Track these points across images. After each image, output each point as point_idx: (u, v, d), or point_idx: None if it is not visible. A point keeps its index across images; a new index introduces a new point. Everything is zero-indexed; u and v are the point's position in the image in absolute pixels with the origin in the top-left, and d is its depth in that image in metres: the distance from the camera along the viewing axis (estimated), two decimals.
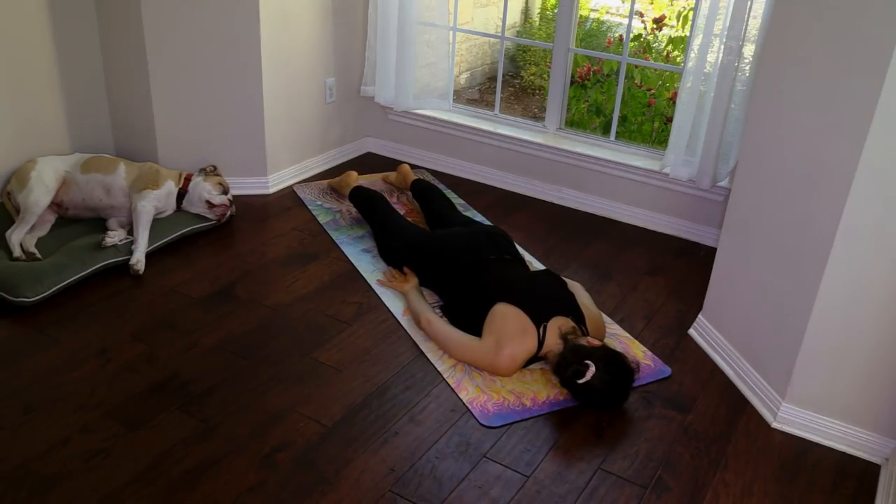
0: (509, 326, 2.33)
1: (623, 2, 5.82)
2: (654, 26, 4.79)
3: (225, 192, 3.16)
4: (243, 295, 2.73)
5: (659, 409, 2.29)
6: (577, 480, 2.01)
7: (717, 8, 2.89)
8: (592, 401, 2.23)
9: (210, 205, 3.11)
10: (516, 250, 2.80)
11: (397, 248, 2.90)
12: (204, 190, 3.11)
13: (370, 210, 3.17)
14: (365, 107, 3.98)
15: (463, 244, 2.72)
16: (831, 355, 2.13)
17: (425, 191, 3.33)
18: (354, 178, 3.47)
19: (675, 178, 3.23)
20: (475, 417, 2.20)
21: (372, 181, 3.60)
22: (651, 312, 2.78)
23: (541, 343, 2.32)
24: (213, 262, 2.93)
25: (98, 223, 3.04)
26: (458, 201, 3.53)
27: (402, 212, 3.26)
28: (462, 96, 5.20)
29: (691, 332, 2.67)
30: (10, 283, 2.55)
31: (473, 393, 2.29)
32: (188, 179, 3.14)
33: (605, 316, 2.70)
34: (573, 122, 4.26)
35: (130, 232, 2.92)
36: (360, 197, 3.26)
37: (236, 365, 2.36)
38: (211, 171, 3.20)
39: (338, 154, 3.92)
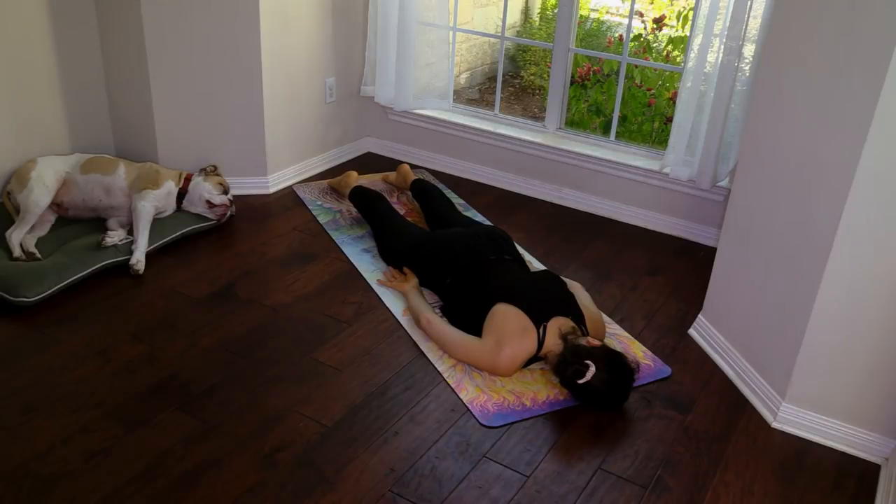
0: (509, 326, 2.33)
1: (623, 2, 5.81)
2: (654, 26, 4.79)
3: (225, 191, 3.16)
4: (243, 295, 2.73)
5: (659, 409, 2.29)
6: (577, 480, 2.01)
7: (717, 8, 2.89)
8: (593, 401, 2.23)
9: (210, 205, 3.11)
10: (516, 251, 2.80)
11: (397, 249, 2.90)
12: (204, 190, 3.11)
13: (370, 210, 3.17)
14: (365, 107, 3.98)
15: (463, 245, 2.72)
16: (831, 355, 2.13)
17: (425, 191, 3.33)
18: (354, 178, 3.47)
19: (675, 178, 3.23)
20: (475, 417, 2.20)
21: (372, 181, 3.60)
22: (651, 312, 2.77)
23: (541, 343, 2.32)
24: (213, 262, 2.93)
25: (98, 223, 3.04)
26: (458, 201, 3.53)
27: (401, 212, 3.26)
28: (462, 96, 5.20)
29: (691, 332, 2.67)
30: (10, 283, 2.55)
31: (473, 393, 2.29)
32: (188, 179, 3.14)
33: (604, 316, 2.70)
34: (573, 122, 4.26)
35: (130, 232, 2.92)
36: (360, 197, 3.26)
37: (236, 365, 2.36)
38: (211, 171, 3.21)
39: (338, 154, 3.92)
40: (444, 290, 2.69)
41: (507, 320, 2.34)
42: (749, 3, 2.82)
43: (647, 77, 4.47)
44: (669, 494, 1.99)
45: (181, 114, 3.33)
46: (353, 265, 2.95)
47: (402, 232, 2.95)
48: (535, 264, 3.02)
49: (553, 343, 2.31)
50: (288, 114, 3.54)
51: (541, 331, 2.32)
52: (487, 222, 3.31)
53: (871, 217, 1.95)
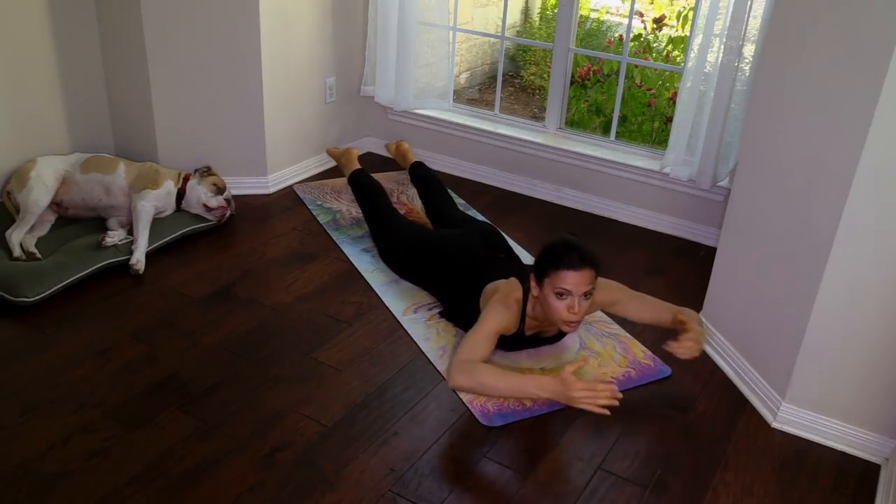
0: (499, 285, 2.39)
1: (623, 2, 5.82)
2: (654, 26, 4.79)
3: (221, 191, 3.15)
4: (243, 295, 2.73)
5: (659, 409, 2.29)
6: (577, 480, 2.01)
7: (717, 8, 2.89)
8: (553, 249, 2.24)
9: (208, 208, 3.11)
10: (510, 248, 2.81)
11: (395, 251, 2.90)
12: (200, 193, 3.10)
13: (368, 202, 3.15)
14: (365, 107, 3.98)
15: (458, 246, 2.72)
16: (831, 355, 2.13)
17: (426, 182, 3.32)
18: (356, 156, 3.46)
19: (675, 178, 3.23)
20: (475, 417, 2.20)
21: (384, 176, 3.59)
22: None
23: (526, 291, 2.33)
24: (213, 262, 2.93)
25: (98, 223, 3.04)
26: (458, 201, 3.53)
27: (401, 212, 3.25)
28: (462, 96, 5.20)
29: None
30: (10, 283, 2.55)
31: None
32: (186, 179, 3.14)
33: (605, 315, 2.70)
34: (573, 122, 4.26)
35: (130, 232, 2.92)
36: (360, 185, 3.24)
37: (236, 365, 2.36)
38: (205, 172, 3.17)
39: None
40: (442, 293, 2.69)
41: (495, 284, 2.41)
42: (749, 3, 2.82)
43: (647, 77, 4.47)
44: (669, 494, 1.99)
45: (181, 114, 3.33)
46: (353, 265, 2.95)
47: (400, 233, 2.94)
48: None
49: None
50: (288, 114, 3.54)
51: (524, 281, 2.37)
52: (485, 220, 3.31)
53: (871, 217, 1.95)
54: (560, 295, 2.19)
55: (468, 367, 2.20)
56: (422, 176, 3.37)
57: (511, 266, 2.66)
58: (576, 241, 2.25)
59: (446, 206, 3.19)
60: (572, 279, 2.17)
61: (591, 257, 2.22)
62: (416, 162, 3.48)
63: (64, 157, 3.09)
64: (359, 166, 3.40)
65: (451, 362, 2.27)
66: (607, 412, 2.04)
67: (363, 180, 3.27)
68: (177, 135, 3.36)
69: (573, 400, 2.08)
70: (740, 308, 2.44)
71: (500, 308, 2.30)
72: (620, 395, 2.09)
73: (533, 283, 2.28)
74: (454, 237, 2.79)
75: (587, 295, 2.21)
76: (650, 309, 2.45)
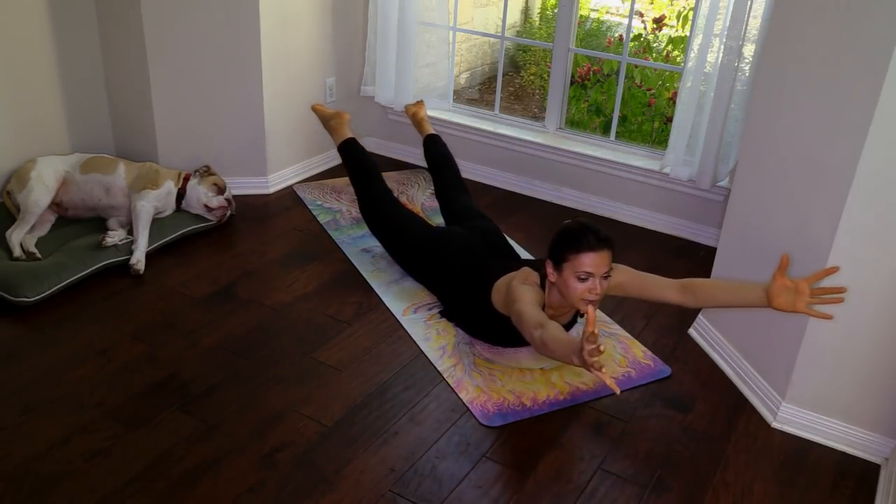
0: (514, 277, 2.36)
1: (623, 2, 5.82)
2: (654, 26, 4.79)
3: (221, 191, 3.15)
4: (243, 295, 2.73)
5: (659, 409, 2.29)
6: (577, 480, 2.01)
7: (717, 8, 2.89)
8: (566, 235, 2.24)
9: (208, 208, 3.11)
10: (511, 247, 2.81)
11: (387, 235, 2.89)
12: (200, 193, 3.10)
13: (363, 182, 3.02)
14: (365, 107, 3.98)
15: (459, 245, 2.70)
16: (831, 355, 2.13)
17: (436, 160, 3.23)
18: (347, 123, 3.21)
19: (675, 178, 3.23)
20: (475, 417, 2.20)
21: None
22: (651, 312, 2.77)
23: (542, 277, 2.33)
24: (213, 262, 2.93)
25: (98, 223, 3.04)
26: None
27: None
28: (462, 96, 5.20)
29: (691, 331, 2.67)
30: (10, 283, 2.55)
31: (473, 393, 2.29)
32: (186, 179, 3.14)
33: (605, 316, 2.70)
34: (573, 122, 4.26)
35: (130, 232, 2.92)
36: (353, 159, 3.09)
37: (236, 365, 2.36)
38: (205, 172, 3.18)
39: (338, 154, 3.90)
40: (443, 294, 2.69)
41: (507, 276, 2.38)
42: (749, 3, 2.82)
43: (647, 77, 4.47)
44: (669, 494, 1.99)
45: (181, 114, 3.33)
46: (353, 265, 2.95)
47: (398, 223, 2.88)
48: None
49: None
50: (288, 114, 3.54)
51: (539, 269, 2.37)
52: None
53: (871, 217, 1.95)
54: (581, 278, 2.20)
55: (540, 330, 2.10)
56: (434, 155, 3.25)
57: (513, 263, 2.65)
58: (590, 223, 2.26)
59: (456, 192, 3.09)
60: (593, 261, 2.19)
61: (607, 238, 2.23)
62: (431, 135, 3.33)
63: (64, 157, 3.09)
64: (351, 135, 3.16)
65: (526, 336, 2.19)
66: (617, 389, 1.88)
67: (356, 153, 3.09)
68: (177, 135, 3.36)
69: (587, 364, 1.90)
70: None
71: (524, 286, 2.30)
72: (618, 391, 2.00)
73: (550, 269, 2.28)
74: (457, 236, 2.76)
75: (606, 276, 2.22)
76: (665, 285, 2.38)
